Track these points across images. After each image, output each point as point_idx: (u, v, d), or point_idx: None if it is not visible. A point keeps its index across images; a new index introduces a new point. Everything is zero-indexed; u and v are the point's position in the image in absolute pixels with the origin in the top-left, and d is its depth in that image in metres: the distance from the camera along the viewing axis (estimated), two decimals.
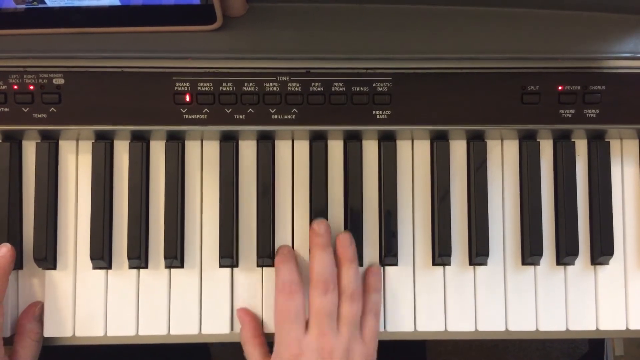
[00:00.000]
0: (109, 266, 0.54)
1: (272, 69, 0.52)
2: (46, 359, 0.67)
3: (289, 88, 0.52)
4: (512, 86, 0.52)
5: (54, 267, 0.54)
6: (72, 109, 0.51)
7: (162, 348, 0.56)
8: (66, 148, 0.54)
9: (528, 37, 0.51)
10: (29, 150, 0.54)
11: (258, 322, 0.54)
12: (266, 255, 0.53)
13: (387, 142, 0.55)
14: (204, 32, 0.50)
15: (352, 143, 0.55)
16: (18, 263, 0.53)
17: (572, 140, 0.55)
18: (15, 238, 0.53)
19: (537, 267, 0.55)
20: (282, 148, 0.55)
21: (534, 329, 0.55)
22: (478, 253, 0.54)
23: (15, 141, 0.54)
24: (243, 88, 0.51)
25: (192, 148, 0.55)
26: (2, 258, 0.51)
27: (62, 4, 0.47)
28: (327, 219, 0.54)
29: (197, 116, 0.51)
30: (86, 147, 0.54)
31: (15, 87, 0.51)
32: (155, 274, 0.54)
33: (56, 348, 0.54)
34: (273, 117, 0.52)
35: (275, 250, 0.54)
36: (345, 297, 0.51)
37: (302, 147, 0.55)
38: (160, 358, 0.73)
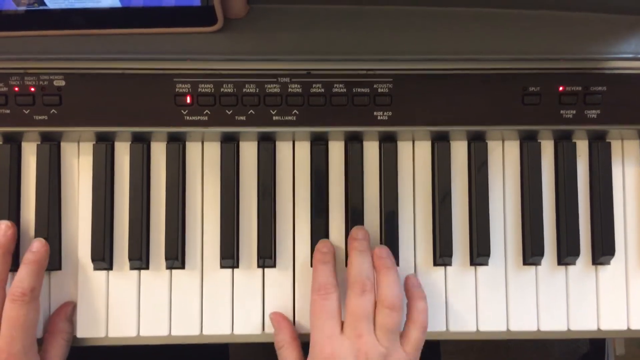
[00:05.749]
0: (110, 267, 0.54)
1: (272, 70, 0.52)
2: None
3: (289, 89, 0.52)
4: (513, 87, 0.52)
5: (58, 268, 0.54)
6: (72, 110, 0.51)
7: (178, 349, 0.56)
8: (67, 150, 0.54)
9: (529, 38, 0.51)
10: (29, 152, 0.54)
11: (293, 325, 0.53)
12: (267, 256, 0.53)
13: (388, 143, 0.55)
14: (204, 34, 0.50)
15: (353, 144, 0.55)
16: (13, 265, 0.52)
17: (573, 141, 0.55)
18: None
19: (538, 267, 0.55)
20: (283, 149, 0.55)
21: (535, 329, 0.55)
22: (479, 253, 0.54)
23: (15, 143, 0.54)
24: (244, 89, 0.51)
25: (193, 149, 0.55)
26: (37, 253, 0.50)
27: (63, 6, 0.47)
28: (327, 220, 0.54)
29: (198, 117, 0.51)
30: (87, 148, 0.54)
31: (16, 88, 0.51)
32: (157, 275, 0.54)
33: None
34: (274, 118, 0.52)
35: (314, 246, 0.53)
36: (383, 305, 0.49)
37: (303, 149, 0.55)
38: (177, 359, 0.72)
